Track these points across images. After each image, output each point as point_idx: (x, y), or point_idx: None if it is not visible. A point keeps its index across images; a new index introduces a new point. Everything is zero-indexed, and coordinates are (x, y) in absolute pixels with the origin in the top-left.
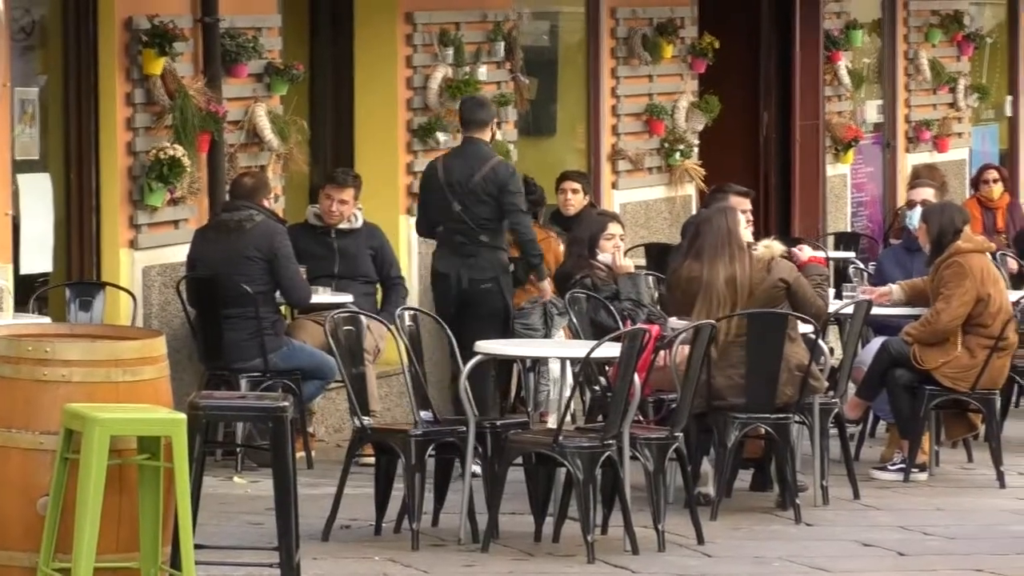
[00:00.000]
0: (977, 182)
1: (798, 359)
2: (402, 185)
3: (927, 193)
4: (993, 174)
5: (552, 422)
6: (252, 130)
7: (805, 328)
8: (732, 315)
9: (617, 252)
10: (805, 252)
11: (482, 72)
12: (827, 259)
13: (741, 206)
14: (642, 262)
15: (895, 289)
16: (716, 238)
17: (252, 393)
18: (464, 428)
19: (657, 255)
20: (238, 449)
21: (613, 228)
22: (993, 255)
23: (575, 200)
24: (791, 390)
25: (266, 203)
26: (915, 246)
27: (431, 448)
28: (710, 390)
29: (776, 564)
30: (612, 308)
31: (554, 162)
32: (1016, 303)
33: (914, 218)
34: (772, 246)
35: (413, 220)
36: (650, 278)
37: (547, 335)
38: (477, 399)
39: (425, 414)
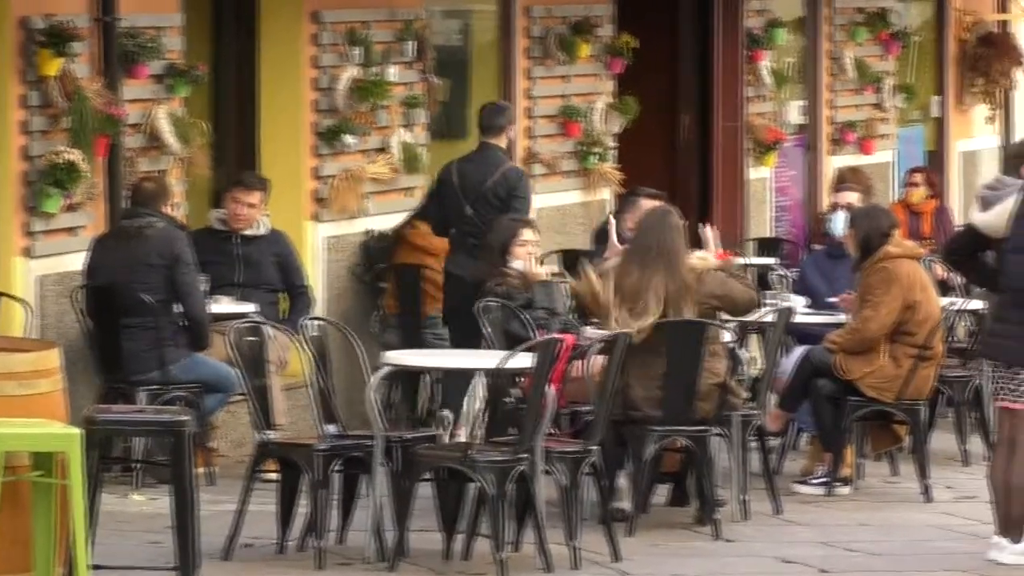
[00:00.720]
0: (905, 185)
1: (718, 372)
2: (307, 190)
3: (851, 197)
4: (916, 177)
5: (463, 436)
6: (152, 133)
7: (725, 337)
8: (649, 324)
9: (530, 259)
10: (709, 236)
11: (392, 73)
12: (746, 266)
13: None
14: (557, 269)
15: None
16: (656, 243)
17: (151, 407)
18: (371, 442)
19: (572, 262)
20: (136, 465)
21: (526, 234)
22: (921, 260)
23: None
24: (709, 405)
25: (167, 210)
26: (838, 252)
27: (337, 463)
28: (626, 401)
29: None
30: (525, 317)
31: None
32: (943, 310)
33: (837, 223)
34: (707, 259)
35: (320, 226)
36: (564, 286)
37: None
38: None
39: (331, 428)
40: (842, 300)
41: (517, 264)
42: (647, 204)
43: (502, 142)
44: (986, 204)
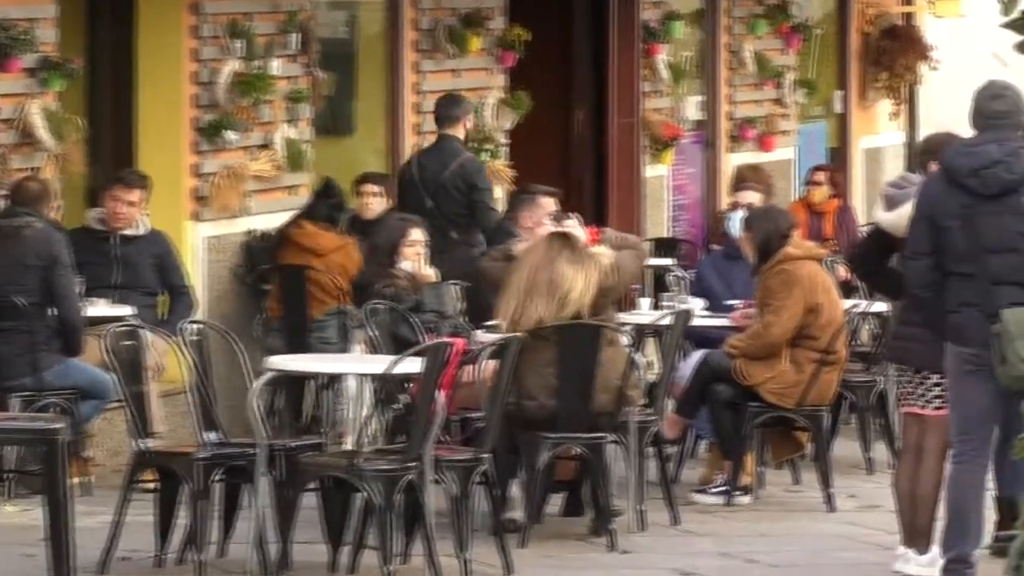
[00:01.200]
0: (807, 183)
1: (614, 376)
2: (187, 188)
3: (751, 196)
4: (819, 175)
5: (349, 444)
6: (25, 129)
7: (621, 340)
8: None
9: (419, 260)
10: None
11: (275, 66)
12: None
13: (548, 207)
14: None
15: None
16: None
17: (23, 414)
18: (254, 450)
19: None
20: (8, 475)
21: (415, 234)
22: (823, 262)
23: (375, 204)
24: (607, 397)
25: (49, 212)
26: (737, 253)
27: (218, 472)
28: (520, 391)
29: None
30: (414, 320)
31: (353, 163)
32: (846, 313)
33: (735, 222)
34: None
35: (200, 226)
36: (454, 288)
37: (344, 349)
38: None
39: (212, 435)
40: (735, 318)
41: (406, 265)
42: (545, 203)
43: (459, 132)
44: (891, 203)
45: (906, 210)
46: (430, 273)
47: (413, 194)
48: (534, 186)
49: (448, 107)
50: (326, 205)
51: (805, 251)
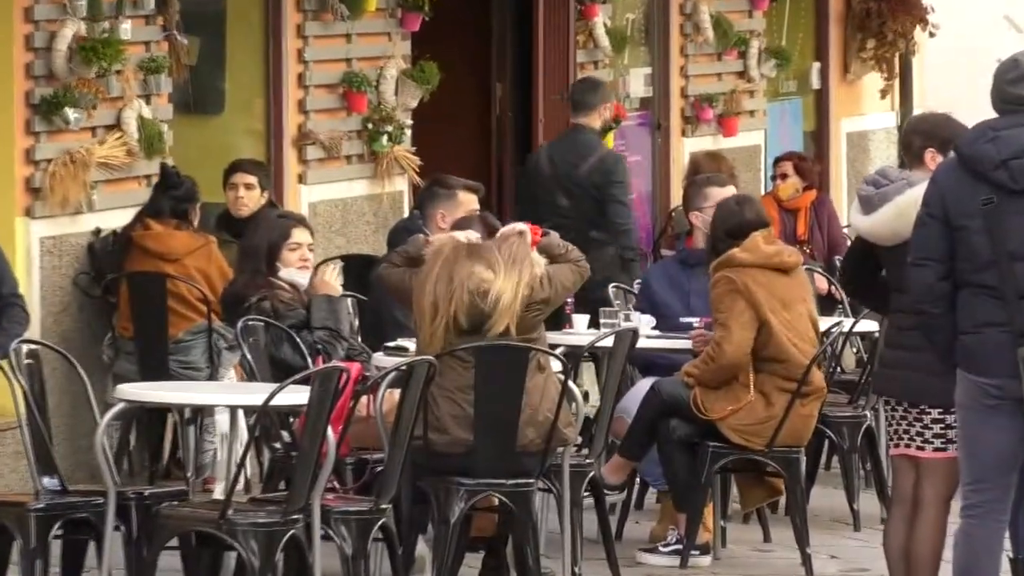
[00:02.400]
0: (774, 176)
1: (547, 397)
2: (19, 177)
3: (728, 193)
4: (784, 167)
5: (219, 491)
6: None
7: (552, 365)
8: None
9: (307, 266)
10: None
11: (125, 29)
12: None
13: (469, 205)
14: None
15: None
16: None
17: None
18: (101, 500)
19: (358, 271)
20: None
21: (299, 235)
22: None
23: (249, 198)
24: (534, 434)
25: None
26: (694, 259)
27: (57, 526)
28: (429, 421)
29: None
30: (300, 340)
31: (223, 148)
32: (826, 334)
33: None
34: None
35: (34, 224)
36: (350, 300)
37: (213, 376)
38: None
39: (50, 481)
40: (694, 338)
41: (289, 273)
42: (465, 200)
43: (595, 122)
44: (868, 205)
45: (885, 214)
46: (331, 282)
47: (544, 191)
48: (451, 178)
49: (584, 92)
50: (169, 197)
51: (755, 256)
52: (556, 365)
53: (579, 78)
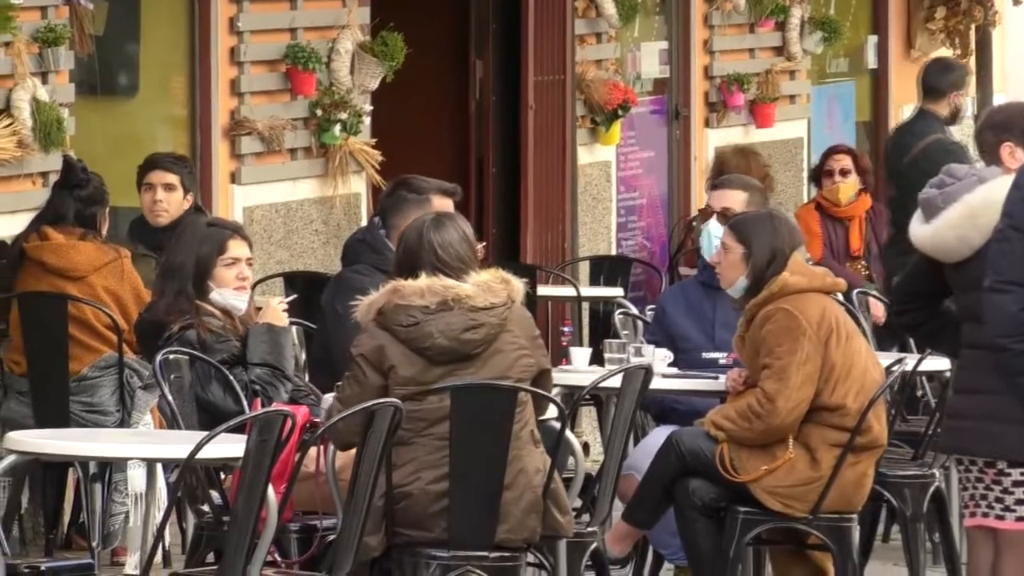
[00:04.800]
0: (819, 175)
1: (533, 467)
2: None
3: (735, 198)
4: (843, 161)
5: (132, 565)
6: None
7: (547, 412)
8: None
9: (244, 286)
10: None
11: None
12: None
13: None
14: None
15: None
16: (452, 255)
17: None
18: None
19: (305, 292)
20: None
21: (236, 248)
22: (847, 296)
23: (169, 201)
24: (534, 521)
25: None
26: (719, 281)
27: None
28: (392, 511)
29: None
30: (233, 379)
31: (136, 139)
32: (888, 370)
33: (706, 237)
34: (512, 282)
35: None
36: (295, 331)
37: (124, 422)
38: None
39: None
40: (732, 381)
41: (222, 296)
42: (439, 205)
43: (942, 110)
44: (930, 210)
45: (950, 217)
46: (278, 312)
47: (887, 181)
48: (422, 180)
49: (935, 75)
50: (73, 198)
51: (809, 278)
52: (551, 411)
53: (933, 58)
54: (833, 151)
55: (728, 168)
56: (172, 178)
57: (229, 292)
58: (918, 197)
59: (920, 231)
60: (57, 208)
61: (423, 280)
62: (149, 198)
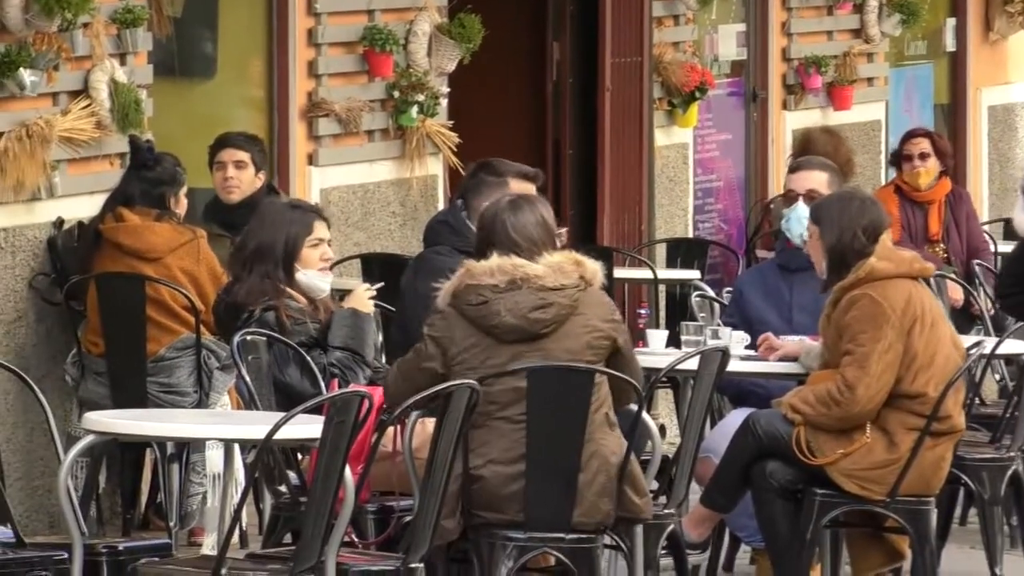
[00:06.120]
0: (899, 159)
1: (609, 449)
2: None
3: (817, 179)
4: (922, 145)
5: (209, 545)
6: None
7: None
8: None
9: (327, 267)
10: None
11: None
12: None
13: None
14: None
15: (802, 346)
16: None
17: None
18: (64, 555)
19: (382, 274)
20: None
21: (320, 229)
22: (927, 281)
23: (240, 178)
24: (607, 504)
25: None
26: (797, 263)
27: None
28: (468, 493)
29: None
30: (311, 361)
31: (214, 120)
32: (964, 357)
33: (795, 220)
34: (586, 263)
35: None
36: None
37: (202, 403)
38: None
39: (1, 531)
40: (762, 343)
41: (308, 276)
42: (517, 186)
43: None
44: None
45: None
46: (364, 297)
47: None
48: (502, 163)
49: None
50: (139, 179)
51: (897, 264)
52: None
53: None
54: (911, 135)
55: (815, 147)
56: (243, 155)
57: (315, 273)
58: (1021, 183)
59: (1020, 218)
60: (125, 188)
61: (494, 260)
62: (220, 176)
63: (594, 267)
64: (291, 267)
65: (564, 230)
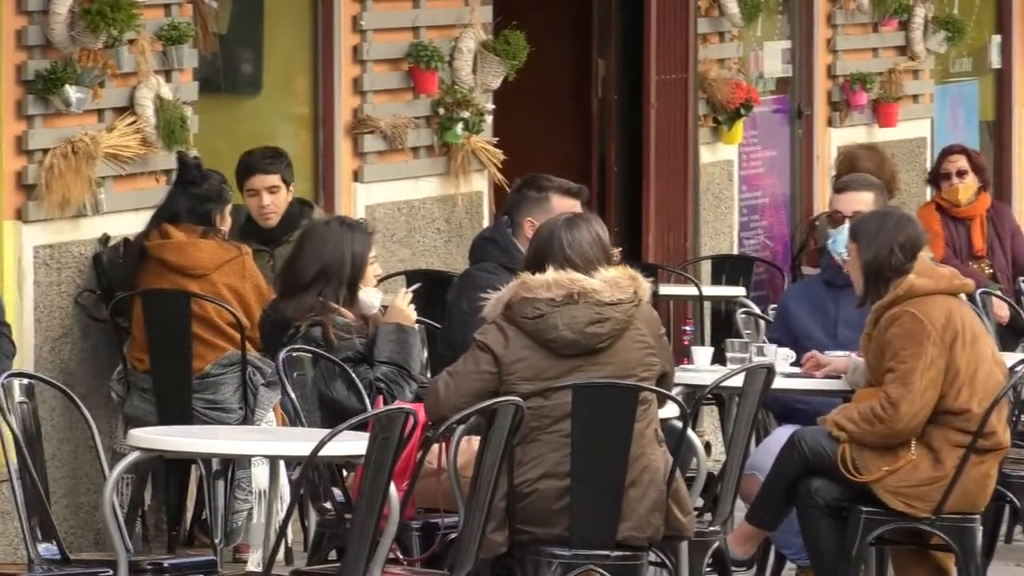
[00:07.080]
0: (936, 177)
1: (654, 466)
2: (8, 172)
3: (864, 200)
4: (959, 162)
5: (254, 562)
6: None
7: (668, 411)
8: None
9: (375, 283)
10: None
11: None
12: (700, 297)
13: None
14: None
15: (849, 362)
16: (579, 253)
17: None
18: (110, 571)
19: (427, 290)
20: None
21: (373, 246)
22: (970, 297)
23: (276, 203)
24: (658, 519)
25: None
26: (843, 279)
27: None
28: (513, 480)
29: None
30: (356, 377)
31: (258, 137)
32: (1011, 371)
33: (842, 242)
34: (640, 280)
35: (27, 229)
36: (422, 330)
37: (247, 419)
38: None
39: (46, 548)
40: (808, 361)
41: (367, 294)
42: (562, 205)
43: None
44: None
45: None
46: (408, 311)
47: None
48: (546, 179)
49: None
50: (186, 195)
51: (936, 280)
52: (672, 409)
53: None
54: (948, 152)
55: (859, 164)
56: (273, 179)
57: (372, 290)
58: None
59: None
60: (171, 205)
61: (550, 273)
62: (256, 203)
63: (646, 284)
64: (356, 285)
65: (618, 250)
